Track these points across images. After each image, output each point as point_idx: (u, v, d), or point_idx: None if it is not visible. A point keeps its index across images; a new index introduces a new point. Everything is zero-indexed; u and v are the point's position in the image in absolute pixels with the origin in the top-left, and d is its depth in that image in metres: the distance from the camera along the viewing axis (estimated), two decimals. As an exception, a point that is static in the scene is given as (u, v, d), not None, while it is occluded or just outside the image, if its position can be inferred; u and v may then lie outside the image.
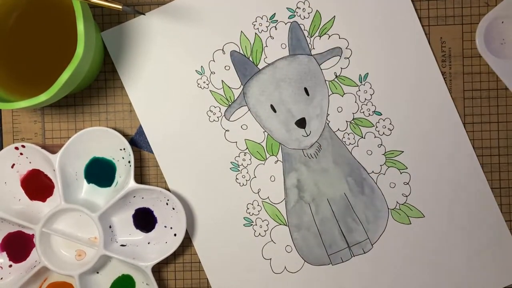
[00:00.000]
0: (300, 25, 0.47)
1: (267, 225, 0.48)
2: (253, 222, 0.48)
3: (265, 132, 0.47)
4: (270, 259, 0.48)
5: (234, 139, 0.48)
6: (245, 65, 0.47)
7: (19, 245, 0.48)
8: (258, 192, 0.48)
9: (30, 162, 0.47)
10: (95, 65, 0.45)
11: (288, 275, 0.48)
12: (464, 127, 0.47)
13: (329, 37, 0.47)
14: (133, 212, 0.48)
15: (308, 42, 0.47)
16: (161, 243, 0.47)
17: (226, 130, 0.48)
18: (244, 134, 0.47)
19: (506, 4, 0.45)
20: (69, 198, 0.46)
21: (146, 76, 0.47)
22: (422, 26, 0.47)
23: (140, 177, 0.48)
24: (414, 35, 0.47)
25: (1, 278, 0.47)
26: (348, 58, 0.47)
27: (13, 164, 0.47)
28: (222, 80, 0.47)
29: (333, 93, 0.47)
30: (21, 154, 0.46)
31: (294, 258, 0.48)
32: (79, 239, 0.47)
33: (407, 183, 0.47)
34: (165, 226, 0.47)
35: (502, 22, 0.46)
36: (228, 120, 0.47)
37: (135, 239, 0.48)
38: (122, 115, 0.48)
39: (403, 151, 0.47)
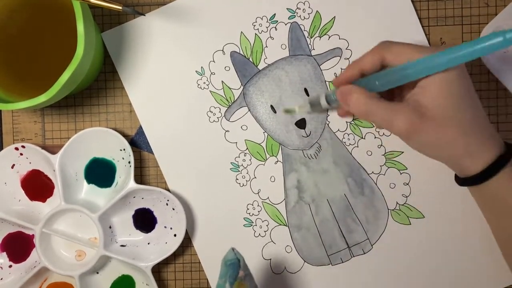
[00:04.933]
0: (300, 26, 0.47)
1: (267, 225, 0.48)
2: (253, 222, 0.48)
3: (265, 133, 0.47)
4: (270, 259, 0.48)
5: (234, 140, 0.48)
6: (245, 66, 0.47)
7: (19, 246, 0.48)
8: (258, 193, 0.48)
9: (30, 163, 0.47)
10: (95, 65, 0.45)
11: (288, 275, 0.48)
12: (464, 127, 0.47)
13: (329, 37, 0.47)
14: (133, 212, 0.48)
15: (308, 42, 0.47)
16: (161, 243, 0.47)
17: (226, 131, 0.48)
18: (244, 135, 0.48)
19: (507, 13, 0.45)
20: (69, 199, 0.46)
21: (146, 77, 0.47)
22: (422, 26, 0.47)
23: (140, 178, 0.48)
24: (414, 35, 0.47)
25: (1, 279, 0.47)
26: (348, 58, 0.47)
27: (13, 165, 0.47)
28: (222, 81, 0.47)
29: (333, 94, 0.47)
30: (21, 154, 0.46)
31: (294, 258, 0.48)
32: (79, 240, 0.47)
33: (407, 184, 0.47)
34: (165, 227, 0.47)
35: None
36: (228, 120, 0.47)
37: (135, 240, 0.48)
38: (122, 115, 0.48)
39: (403, 152, 0.47)
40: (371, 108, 0.37)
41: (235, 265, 0.38)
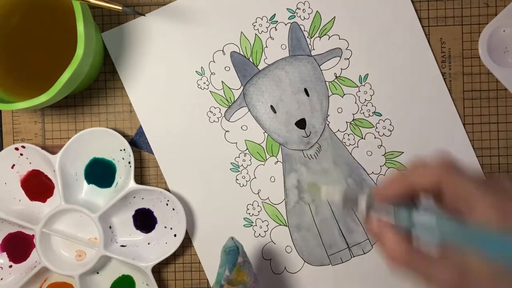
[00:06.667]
0: (300, 26, 0.47)
1: (267, 225, 0.48)
2: (253, 222, 0.48)
3: (265, 133, 0.47)
4: (270, 259, 0.48)
5: (234, 140, 0.48)
6: (245, 66, 0.47)
7: (19, 246, 0.48)
8: (258, 193, 0.48)
9: (30, 163, 0.47)
10: (95, 65, 0.45)
11: (288, 276, 0.48)
12: (464, 127, 0.47)
13: (329, 37, 0.47)
14: (133, 212, 0.48)
15: (308, 42, 0.47)
16: (161, 243, 0.47)
17: (226, 131, 0.48)
18: (244, 135, 0.48)
19: (507, 12, 0.45)
20: (69, 199, 0.46)
21: (146, 77, 0.47)
22: (422, 26, 0.47)
23: (140, 178, 0.48)
24: (414, 35, 0.47)
25: (1, 279, 0.47)
26: (348, 59, 0.47)
27: (13, 165, 0.47)
28: (222, 81, 0.47)
29: (333, 94, 0.47)
30: (21, 154, 0.46)
31: (294, 258, 0.48)
32: (79, 240, 0.47)
33: (407, 184, 0.47)
34: (165, 227, 0.47)
35: (504, 31, 0.46)
36: (228, 120, 0.47)
37: (135, 240, 0.48)
38: (122, 115, 0.48)
39: (403, 152, 0.47)
40: (410, 259, 0.31)
41: (234, 251, 0.38)
